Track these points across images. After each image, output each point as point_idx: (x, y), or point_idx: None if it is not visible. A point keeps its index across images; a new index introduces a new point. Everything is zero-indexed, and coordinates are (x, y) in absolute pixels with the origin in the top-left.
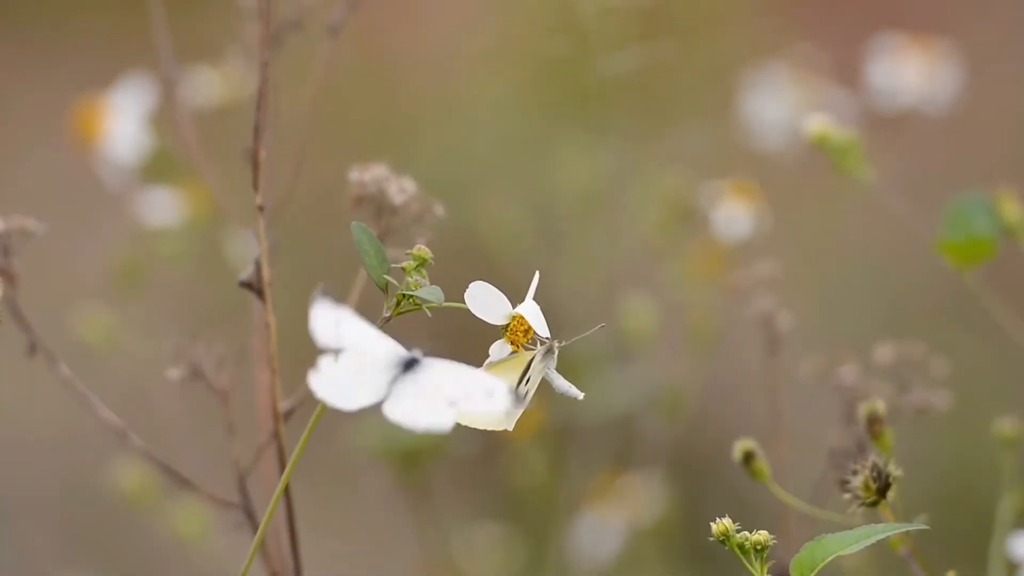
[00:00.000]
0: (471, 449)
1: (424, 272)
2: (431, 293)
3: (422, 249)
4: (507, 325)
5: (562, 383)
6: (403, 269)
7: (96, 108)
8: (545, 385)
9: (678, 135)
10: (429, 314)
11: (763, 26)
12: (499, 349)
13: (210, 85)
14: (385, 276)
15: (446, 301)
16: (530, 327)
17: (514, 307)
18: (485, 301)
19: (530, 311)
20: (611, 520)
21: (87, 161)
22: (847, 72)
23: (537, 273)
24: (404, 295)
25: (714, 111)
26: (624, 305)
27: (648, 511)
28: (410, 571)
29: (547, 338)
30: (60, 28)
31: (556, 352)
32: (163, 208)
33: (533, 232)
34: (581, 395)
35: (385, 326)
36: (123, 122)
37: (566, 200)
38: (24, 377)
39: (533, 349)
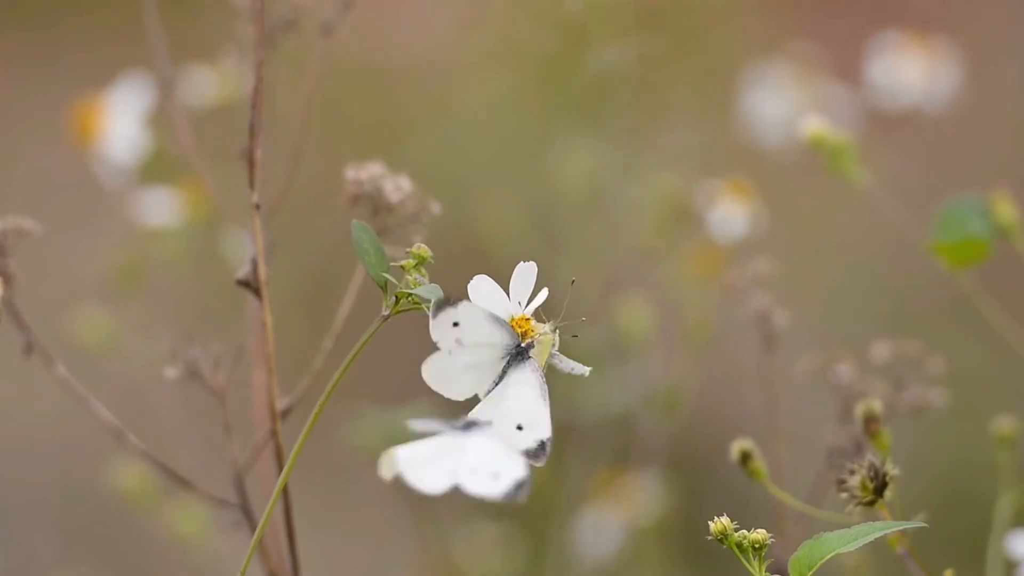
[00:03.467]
0: None
1: (424, 271)
2: (430, 291)
3: (422, 247)
4: None
5: (567, 364)
6: (402, 267)
7: (94, 108)
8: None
9: (677, 134)
10: (428, 312)
11: (763, 24)
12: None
13: (206, 84)
14: (384, 274)
15: (439, 296)
16: (528, 331)
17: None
18: (488, 296)
19: (531, 308)
20: (610, 519)
21: (85, 160)
22: (847, 70)
23: (545, 290)
24: (403, 294)
25: (714, 109)
26: (622, 305)
27: (647, 510)
28: (409, 570)
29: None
30: (58, 27)
31: (557, 335)
32: (161, 208)
33: (532, 231)
34: (588, 371)
35: (384, 322)
36: (121, 122)
37: (565, 199)
38: (23, 377)
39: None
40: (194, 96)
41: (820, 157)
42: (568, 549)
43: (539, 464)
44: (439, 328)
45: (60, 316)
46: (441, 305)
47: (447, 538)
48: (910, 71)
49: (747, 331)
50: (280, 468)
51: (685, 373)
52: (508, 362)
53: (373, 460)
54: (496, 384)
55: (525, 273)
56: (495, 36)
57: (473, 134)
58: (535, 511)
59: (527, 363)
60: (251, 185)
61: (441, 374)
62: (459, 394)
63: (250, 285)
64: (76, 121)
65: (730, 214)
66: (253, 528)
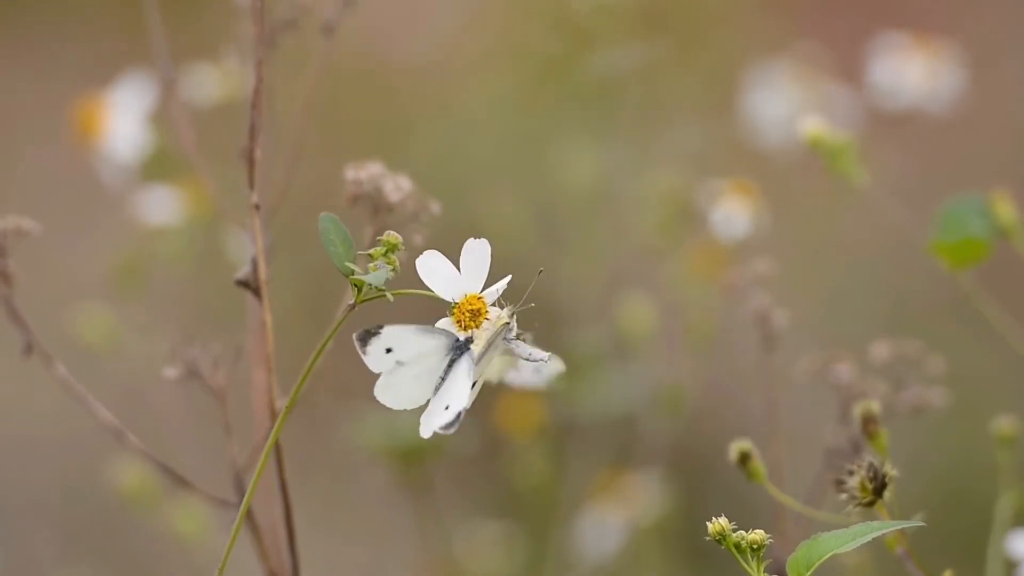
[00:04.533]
0: (472, 447)
1: (393, 258)
2: (376, 278)
3: (392, 235)
4: (455, 304)
5: (524, 349)
6: (370, 255)
7: (96, 106)
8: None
9: (679, 133)
10: (391, 298)
11: (763, 24)
12: (447, 327)
13: (207, 84)
14: (349, 264)
15: (380, 281)
16: (480, 310)
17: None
18: (436, 271)
19: (492, 292)
20: (611, 518)
21: (85, 160)
22: (847, 70)
23: (508, 276)
24: (356, 281)
25: (715, 109)
26: (624, 304)
27: (647, 510)
28: (411, 569)
29: (503, 312)
30: (58, 26)
31: (514, 321)
32: (162, 207)
33: (534, 231)
34: (547, 357)
35: (355, 315)
36: (123, 120)
37: (566, 199)
38: (23, 377)
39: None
40: (195, 95)
41: (819, 157)
42: (569, 548)
43: (449, 432)
44: (373, 359)
45: (60, 316)
46: (364, 338)
47: (448, 537)
48: (914, 72)
49: (747, 331)
50: (279, 467)
51: (686, 373)
52: (453, 358)
53: (373, 459)
54: (443, 380)
55: (477, 249)
56: (496, 35)
57: (474, 134)
58: (536, 510)
59: (464, 355)
60: (251, 185)
61: (393, 392)
62: (413, 403)
63: (250, 285)
64: (77, 120)
65: (732, 214)
66: (252, 528)
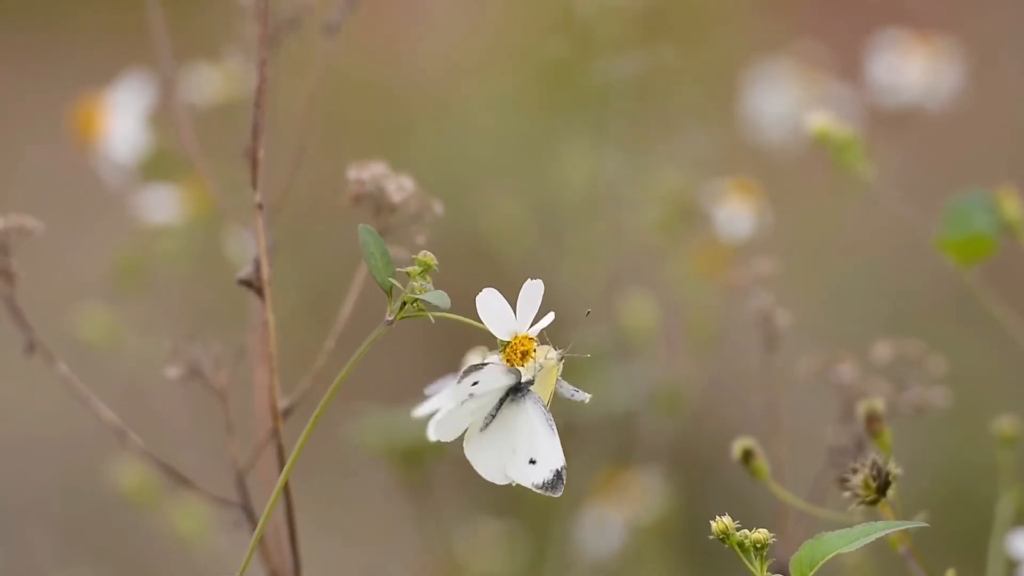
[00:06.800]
0: None
1: (428, 278)
2: (438, 298)
3: (428, 255)
4: (507, 342)
5: (568, 389)
6: (407, 274)
7: (96, 106)
8: None
9: (680, 133)
10: (433, 320)
11: (763, 24)
12: (477, 357)
13: (209, 83)
14: (390, 279)
15: (447, 304)
16: (529, 351)
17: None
18: (496, 311)
19: (536, 330)
20: (612, 517)
21: (86, 159)
22: (848, 69)
23: (551, 314)
24: (411, 299)
25: (716, 109)
26: (625, 304)
27: (648, 508)
28: (411, 569)
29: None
30: (59, 25)
31: (561, 365)
32: (163, 206)
33: (535, 232)
34: (588, 398)
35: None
36: (123, 120)
37: (568, 200)
38: (23, 377)
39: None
40: (197, 95)
41: (824, 153)
42: (570, 547)
43: (557, 495)
44: (457, 392)
45: (61, 315)
46: (469, 371)
47: (448, 537)
48: (914, 70)
49: (749, 331)
50: (282, 467)
51: (687, 372)
52: (504, 397)
53: (373, 459)
54: (492, 417)
55: (532, 291)
56: (497, 36)
57: (475, 134)
58: (537, 509)
59: (527, 397)
60: (254, 185)
61: (447, 426)
62: (454, 435)
63: (252, 285)
64: (77, 120)
65: (736, 213)
66: (254, 527)
